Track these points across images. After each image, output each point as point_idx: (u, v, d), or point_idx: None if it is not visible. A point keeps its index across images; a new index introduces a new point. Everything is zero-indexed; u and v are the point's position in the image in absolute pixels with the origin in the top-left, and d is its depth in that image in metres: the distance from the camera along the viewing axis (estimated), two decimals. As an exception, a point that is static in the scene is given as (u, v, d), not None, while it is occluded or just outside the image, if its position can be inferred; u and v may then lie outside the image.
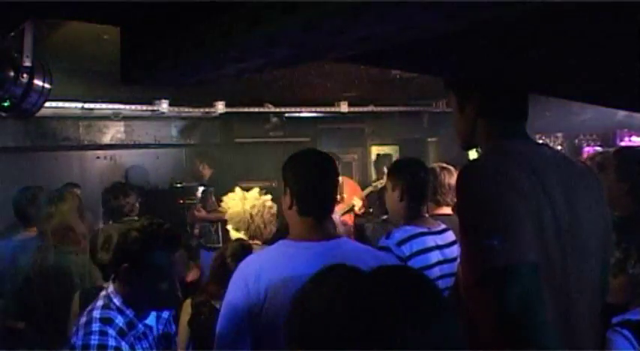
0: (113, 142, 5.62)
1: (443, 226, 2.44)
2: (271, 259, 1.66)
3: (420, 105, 6.22)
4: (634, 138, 6.27)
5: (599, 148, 6.16)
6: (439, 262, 2.31)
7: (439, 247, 2.34)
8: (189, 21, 1.43)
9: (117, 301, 1.71)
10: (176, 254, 1.79)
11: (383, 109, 6.01)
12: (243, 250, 2.42)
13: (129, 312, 1.71)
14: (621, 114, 5.25)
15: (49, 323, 2.77)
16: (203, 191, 4.84)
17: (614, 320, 1.63)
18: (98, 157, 5.81)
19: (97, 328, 1.63)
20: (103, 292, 1.76)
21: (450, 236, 2.43)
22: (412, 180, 2.44)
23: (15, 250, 3.00)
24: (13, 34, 2.07)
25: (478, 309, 1.24)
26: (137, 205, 3.54)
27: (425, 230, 2.35)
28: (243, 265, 1.68)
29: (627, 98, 1.64)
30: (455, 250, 2.41)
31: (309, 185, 1.69)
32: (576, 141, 6.97)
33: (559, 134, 7.08)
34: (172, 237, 1.76)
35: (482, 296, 1.21)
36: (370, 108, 5.90)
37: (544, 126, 6.04)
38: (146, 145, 5.82)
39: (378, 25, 1.00)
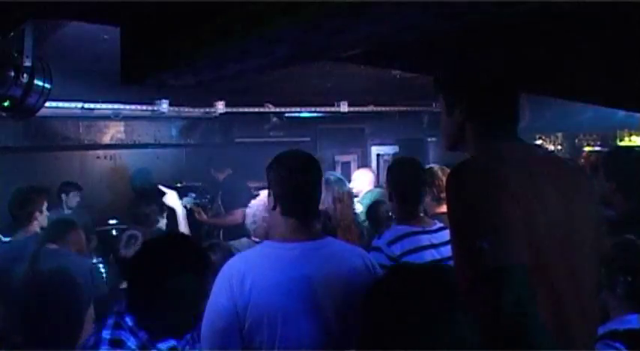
0: (113, 142, 5.62)
1: (439, 225, 2.44)
2: (255, 261, 1.66)
3: (420, 105, 6.21)
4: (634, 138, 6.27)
5: (597, 148, 6.17)
6: (434, 261, 2.31)
7: (434, 246, 2.34)
8: (189, 21, 1.43)
9: (129, 320, 1.50)
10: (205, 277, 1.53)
11: (383, 109, 6.01)
12: (219, 245, 2.47)
13: (142, 334, 1.49)
14: (621, 114, 5.25)
15: (51, 330, 2.60)
16: (196, 197, 4.83)
17: (600, 330, 1.60)
18: (98, 157, 5.81)
19: None
20: (116, 308, 1.56)
21: (447, 235, 2.43)
22: (401, 180, 2.45)
23: (13, 252, 2.94)
24: (13, 34, 2.07)
25: (471, 309, 1.24)
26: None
27: (418, 229, 2.35)
28: (227, 266, 1.67)
29: (627, 98, 1.64)
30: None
31: (290, 185, 1.69)
32: (576, 141, 6.97)
33: (559, 134, 7.08)
34: (200, 259, 1.55)
35: (474, 297, 1.21)
36: (370, 108, 5.89)
37: (544, 126, 6.04)
38: (146, 145, 5.81)
39: (378, 25, 1.00)
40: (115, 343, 1.44)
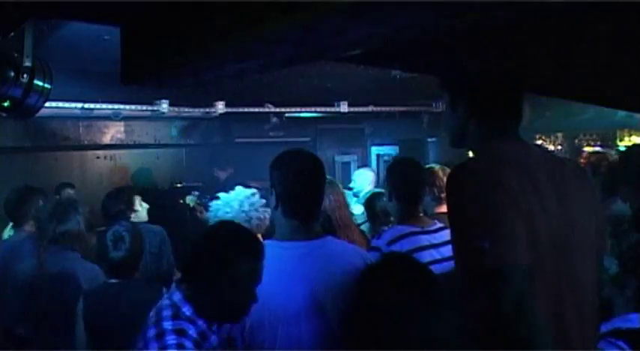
0: (113, 142, 5.63)
1: (439, 225, 2.44)
2: None
3: (420, 105, 6.23)
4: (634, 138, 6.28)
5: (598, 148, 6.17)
6: (434, 261, 2.31)
7: (434, 246, 2.34)
8: (190, 21, 1.43)
9: (186, 310, 1.51)
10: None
11: (383, 109, 6.01)
12: None
13: (200, 323, 1.51)
14: (621, 114, 5.26)
15: (52, 328, 2.60)
16: (198, 196, 4.84)
17: (603, 328, 1.61)
18: (98, 157, 5.82)
19: (174, 341, 1.43)
20: (166, 301, 1.56)
21: (447, 235, 2.43)
22: (400, 180, 2.44)
23: (9, 252, 2.92)
24: (13, 34, 2.07)
25: (472, 309, 1.24)
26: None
27: (417, 229, 2.35)
28: None
29: (627, 98, 1.64)
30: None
31: (293, 187, 1.67)
32: (576, 141, 6.98)
33: (559, 134, 7.09)
34: (257, 243, 1.57)
35: (475, 297, 1.21)
36: (370, 108, 5.90)
37: (544, 126, 6.04)
38: (146, 145, 5.82)
39: (378, 25, 1.00)
40: (179, 332, 1.46)
